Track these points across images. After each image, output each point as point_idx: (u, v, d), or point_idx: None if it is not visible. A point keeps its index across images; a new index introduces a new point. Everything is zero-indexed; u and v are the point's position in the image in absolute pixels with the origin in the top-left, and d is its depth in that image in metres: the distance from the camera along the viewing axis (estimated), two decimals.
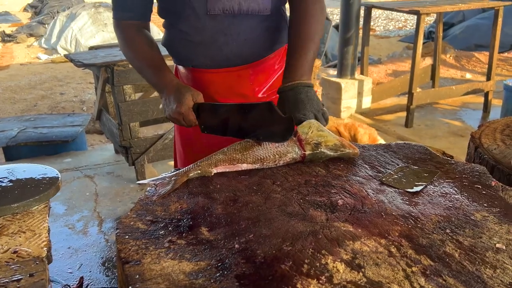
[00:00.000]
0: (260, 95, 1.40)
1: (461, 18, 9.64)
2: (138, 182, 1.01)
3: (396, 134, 4.28)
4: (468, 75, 6.68)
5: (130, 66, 2.98)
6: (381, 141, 3.47)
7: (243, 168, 1.09)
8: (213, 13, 1.24)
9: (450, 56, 7.41)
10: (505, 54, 7.66)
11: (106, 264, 2.43)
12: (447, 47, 7.41)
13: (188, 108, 1.17)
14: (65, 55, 3.64)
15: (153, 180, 1.05)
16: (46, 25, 10.43)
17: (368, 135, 3.58)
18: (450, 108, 5.11)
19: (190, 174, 1.05)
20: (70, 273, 2.36)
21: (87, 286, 1.69)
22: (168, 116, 1.23)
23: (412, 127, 4.47)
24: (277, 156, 1.10)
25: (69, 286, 1.46)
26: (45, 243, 0.86)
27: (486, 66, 4.91)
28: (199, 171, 1.06)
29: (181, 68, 1.43)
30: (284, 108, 1.16)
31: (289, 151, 1.10)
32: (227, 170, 1.08)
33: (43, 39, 9.74)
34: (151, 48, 1.31)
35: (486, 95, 4.87)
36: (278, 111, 1.08)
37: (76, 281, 2.18)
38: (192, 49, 1.32)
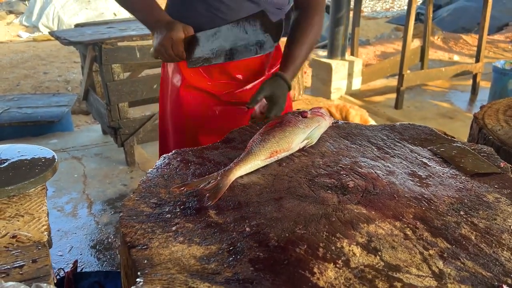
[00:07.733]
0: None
1: (448, 0, 9.65)
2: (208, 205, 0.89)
3: (386, 115, 4.29)
4: (456, 57, 6.70)
5: (119, 44, 2.90)
6: (372, 122, 3.47)
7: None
8: None
9: (438, 38, 7.41)
10: (492, 37, 7.70)
11: (97, 247, 2.39)
12: (435, 28, 7.41)
13: (178, 37, 1.19)
14: (49, 33, 3.52)
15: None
16: (27, 1, 10.11)
17: (359, 116, 3.57)
18: (439, 89, 5.13)
19: (239, 171, 0.93)
20: (61, 255, 2.32)
21: (81, 270, 1.66)
22: (156, 47, 1.22)
23: (401, 108, 4.48)
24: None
25: (63, 270, 1.42)
26: (45, 227, 0.82)
27: (473, 48, 4.92)
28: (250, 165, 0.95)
29: None
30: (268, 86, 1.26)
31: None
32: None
33: (23, 17, 9.45)
34: None
35: (474, 77, 4.90)
36: (269, 18, 1.22)
37: (68, 264, 2.15)
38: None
